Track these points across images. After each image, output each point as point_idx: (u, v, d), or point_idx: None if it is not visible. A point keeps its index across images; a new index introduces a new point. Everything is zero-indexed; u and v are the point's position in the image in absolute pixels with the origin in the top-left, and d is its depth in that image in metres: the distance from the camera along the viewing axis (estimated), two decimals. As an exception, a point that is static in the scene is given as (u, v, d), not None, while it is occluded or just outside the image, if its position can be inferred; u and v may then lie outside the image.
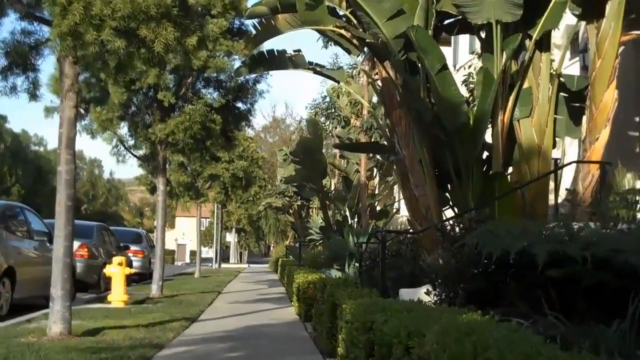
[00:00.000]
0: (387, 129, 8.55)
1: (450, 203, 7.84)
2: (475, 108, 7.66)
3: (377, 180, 20.06)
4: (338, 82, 9.14)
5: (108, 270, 11.15)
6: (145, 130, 12.25)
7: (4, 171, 42.08)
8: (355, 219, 18.67)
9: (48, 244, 10.47)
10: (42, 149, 53.17)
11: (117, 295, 10.73)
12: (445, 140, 7.39)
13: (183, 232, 67.79)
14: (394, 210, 21.20)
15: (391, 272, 6.42)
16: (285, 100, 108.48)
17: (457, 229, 5.07)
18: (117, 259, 11.14)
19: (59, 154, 7.14)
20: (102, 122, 11.67)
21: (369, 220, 16.50)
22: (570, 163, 6.80)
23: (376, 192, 19.96)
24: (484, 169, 7.65)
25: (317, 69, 8.64)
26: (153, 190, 18.02)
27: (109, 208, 64.97)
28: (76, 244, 14.36)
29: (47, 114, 12.54)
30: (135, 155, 13.47)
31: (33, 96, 7.51)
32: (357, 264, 9.54)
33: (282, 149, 29.42)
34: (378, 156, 19.19)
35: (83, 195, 59.88)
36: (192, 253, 55.58)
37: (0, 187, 40.76)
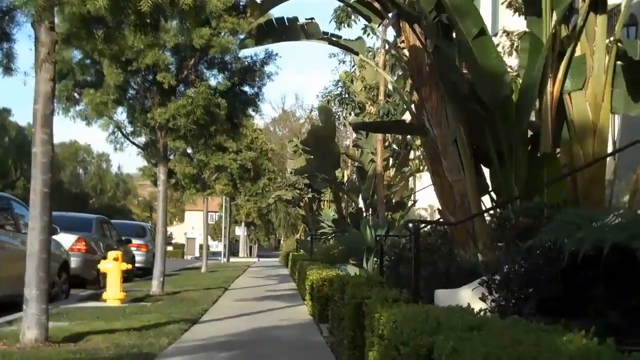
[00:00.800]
0: (413, 106, 7.49)
1: (490, 189, 6.79)
2: (521, 78, 6.59)
3: (392, 171, 18.99)
4: (357, 53, 8.10)
5: (102, 265, 10.21)
6: (144, 115, 11.28)
7: (8, 165, 41.29)
8: (370, 211, 17.65)
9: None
10: (48, 142, 52.35)
11: (113, 293, 9.83)
12: (485, 117, 6.35)
13: (192, 226, 67.18)
14: (411, 203, 20.17)
15: (423, 270, 5.39)
16: (295, 91, 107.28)
17: (521, 219, 4.06)
18: (112, 254, 10.19)
19: (34, 133, 6.27)
20: (96, 105, 10.69)
21: (385, 212, 15.44)
22: (635, 142, 5.76)
23: (392, 183, 18.90)
24: (529, 149, 6.59)
25: (332, 39, 7.60)
26: (157, 182, 17.08)
27: (117, 202, 64.37)
28: (73, 238, 13.58)
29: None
30: (134, 143, 12.50)
31: (7, 69, 6.62)
32: (376, 259, 8.61)
33: (292, 140, 28.37)
34: (394, 145, 18.11)
35: (91, 189, 59.31)
36: (202, 247, 54.91)
37: (4, 181, 40.01)
